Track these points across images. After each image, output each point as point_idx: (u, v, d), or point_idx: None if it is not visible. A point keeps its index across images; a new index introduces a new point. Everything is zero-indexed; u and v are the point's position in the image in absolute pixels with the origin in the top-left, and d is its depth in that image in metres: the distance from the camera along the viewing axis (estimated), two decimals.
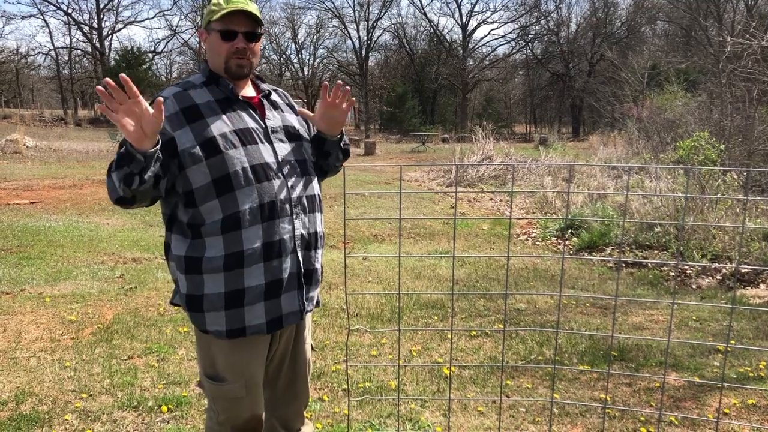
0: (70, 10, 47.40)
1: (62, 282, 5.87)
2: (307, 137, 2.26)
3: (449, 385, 3.36)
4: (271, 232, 2.03)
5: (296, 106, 2.33)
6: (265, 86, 2.23)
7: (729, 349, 4.19)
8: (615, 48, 40.66)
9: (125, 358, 4.05)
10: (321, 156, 2.29)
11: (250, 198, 1.99)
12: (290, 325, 2.19)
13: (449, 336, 4.43)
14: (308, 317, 2.34)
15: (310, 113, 2.22)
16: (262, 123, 2.12)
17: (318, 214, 2.20)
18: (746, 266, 6.07)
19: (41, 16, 49.53)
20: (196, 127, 1.98)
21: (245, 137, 2.04)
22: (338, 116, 2.17)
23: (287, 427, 2.42)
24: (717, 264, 6.25)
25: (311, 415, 3.27)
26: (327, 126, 2.19)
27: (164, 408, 3.33)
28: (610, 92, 26.71)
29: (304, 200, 2.13)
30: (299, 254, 2.11)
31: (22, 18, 50.60)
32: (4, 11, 74.86)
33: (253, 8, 2.06)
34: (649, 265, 6.57)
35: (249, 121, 2.09)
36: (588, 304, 5.32)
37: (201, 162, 1.97)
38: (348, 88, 2.13)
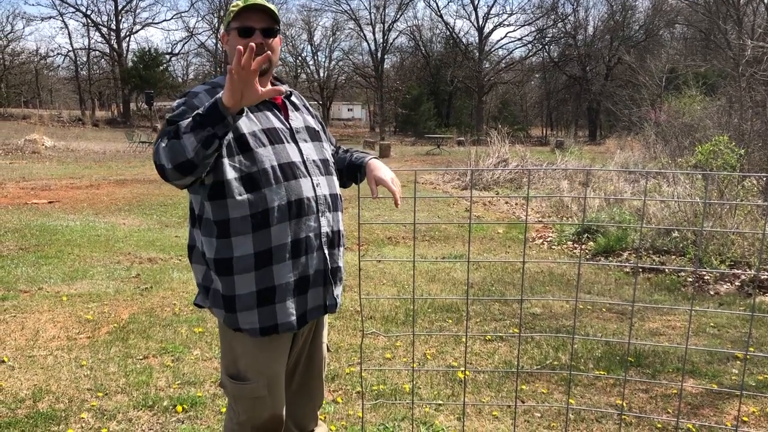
0: (89, 12, 48.11)
1: (79, 281, 5.92)
2: (326, 137, 2.34)
3: (464, 389, 3.34)
4: (299, 230, 2.07)
5: (313, 110, 2.37)
6: (284, 87, 2.24)
7: (748, 356, 4.12)
8: (633, 51, 40.45)
9: (141, 357, 4.07)
10: (351, 179, 2.39)
11: (279, 196, 2.02)
12: (313, 319, 2.22)
13: (464, 340, 4.41)
14: (325, 318, 2.36)
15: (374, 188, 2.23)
16: (287, 123, 2.16)
17: (340, 213, 2.24)
18: (766, 273, 5.99)
19: (60, 18, 50.36)
20: None
21: (273, 136, 2.07)
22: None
23: (300, 427, 2.42)
24: (736, 270, 6.17)
25: (325, 417, 3.27)
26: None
27: (179, 408, 3.34)
28: (628, 96, 26.56)
29: (329, 198, 2.17)
30: (325, 251, 2.15)
31: (42, 20, 51.33)
32: (25, 13, 75.87)
33: (269, 5, 2.08)
34: (667, 270, 6.51)
35: (275, 121, 2.12)
36: (604, 309, 5.28)
37: (234, 156, 1.98)
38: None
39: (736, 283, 6.05)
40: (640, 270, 6.64)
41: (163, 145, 1.83)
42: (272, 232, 2.02)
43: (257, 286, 2.05)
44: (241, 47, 1.68)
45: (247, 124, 2.02)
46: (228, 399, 2.26)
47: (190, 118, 1.80)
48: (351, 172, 2.35)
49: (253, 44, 1.68)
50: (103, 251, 7.22)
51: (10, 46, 49.22)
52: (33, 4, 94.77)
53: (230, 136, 1.97)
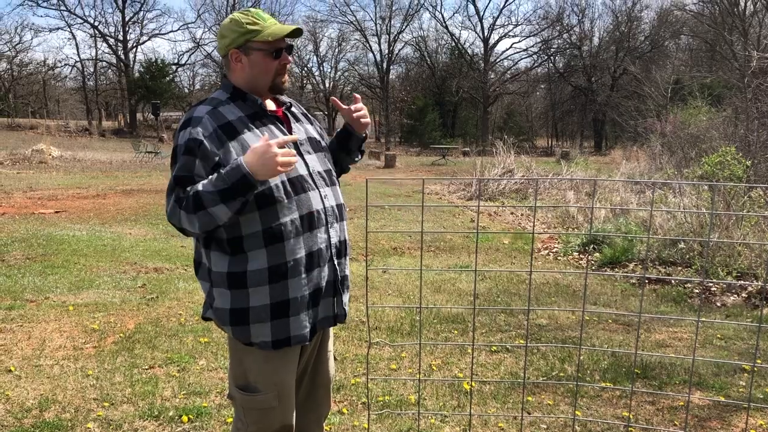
0: (96, 23, 48.30)
1: (85, 291, 5.93)
2: (327, 146, 2.36)
3: (470, 400, 3.33)
4: (311, 243, 2.09)
5: (312, 117, 2.40)
6: (284, 99, 2.27)
7: (755, 368, 4.11)
8: (638, 62, 40.45)
9: (146, 367, 4.07)
10: (342, 151, 2.41)
11: (291, 210, 2.05)
12: (323, 328, 2.24)
13: (470, 351, 4.40)
14: (331, 328, 2.37)
15: (344, 107, 2.34)
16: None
17: (345, 222, 2.27)
18: None
19: (68, 29, 50.48)
20: (234, 144, 2.02)
21: None
22: (364, 119, 2.34)
23: None
24: (742, 281, 6.15)
25: (330, 428, 3.26)
26: (357, 124, 2.34)
27: (185, 418, 3.34)
28: (633, 106, 26.56)
29: (336, 209, 2.20)
30: (335, 262, 2.18)
31: (50, 31, 51.77)
32: (33, 24, 76.45)
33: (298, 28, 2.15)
34: (673, 281, 6.49)
35: (279, 135, 2.13)
36: (610, 321, 5.26)
37: None
38: (358, 98, 2.34)
39: (743, 295, 6.03)
40: (647, 281, 6.62)
41: (185, 215, 1.93)
42: (286, 246, 2.04)
43: (272, 300, 2.05)
44: (283, 152, 1.90)
45: (253, 140, 2.04)
46: (236, 410, 2.25)
47: (214, 189, 1.89)
48: (342, 139, 2.40)
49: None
50: (109, 261, 7.24)
51: (19, 57, 49.61)
52: (41, 16, 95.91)
53: (239, 154, 2.00)
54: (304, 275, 2.08)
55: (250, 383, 2.14)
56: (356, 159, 2.47)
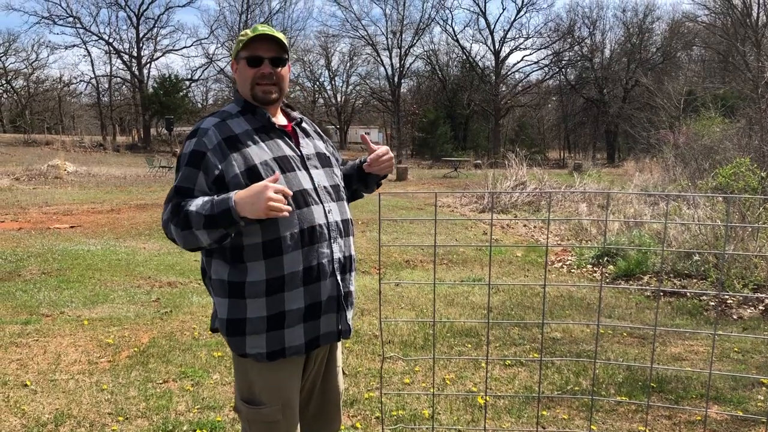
0: (111, 40, 48.94)
1: (100, 305, 5.97)
2: (337, 162, 2.36)
3: (484, 414, 3.31)
4: (311, 257, 2.09)
5: (325, 136, 2.41)
6: (295, 114, 2.30)
7: None
8: (650, 74, 40.38)
9: (160, 381, 4.08)
10: (360, 182, 2.42)
11: (291, 224, 2.05)
12: (326, 344, 2.23)
13: (483, 365, 4.38)
14: (340, 342, 2.37)
15: (372, 148, 2.35)
16: (297, 150, 2.19)
17: (351, 238, 2.27)
18: None
19: (84, 46, 51.02)
20: (237, 156, 2.03)
21: (284, 165, 2.10)
22: (385, 168, 2.36)
23: None
24: (759, 294, 6.08)
25: None
26: (377, 170, 2.36)
27: None
28: (646, 118, 26.49)
29: (340, 224, 2.19)
30: (338, 277, 2.16)
31: (66, 48, 52.35)
32: (49, 41, 77.51)
33: (278, 34, 2.13)
34: (688, 294, 6.43)
35: (286, 149, 2.15)
36: (625, 334, 5.22)
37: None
38: (390, 156, 2.35)
39: (760, 308, 5.96)
40: (662, 294, 6.57)
41: (174, 229, 1.98)
42: (285, 259, 2.04)
43: (268, 312, 2.06)
44: (276, 198, 1.88)
45: (258, 154, 2.06)
46: (242, 423, 2.26)
47: (201, 213, 1.91)
48: (360, 173, 2.40)
49: (288, 192, 1.94)
50: (123, 275, 7.29)
51: (35, 74, 50.32)
52: (57, 33, 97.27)
53: (242, 168, 2.02)
54: (301, 288, 2.08)
55: (255, 396, 2.14)
56: (372, 190, 2.50)
